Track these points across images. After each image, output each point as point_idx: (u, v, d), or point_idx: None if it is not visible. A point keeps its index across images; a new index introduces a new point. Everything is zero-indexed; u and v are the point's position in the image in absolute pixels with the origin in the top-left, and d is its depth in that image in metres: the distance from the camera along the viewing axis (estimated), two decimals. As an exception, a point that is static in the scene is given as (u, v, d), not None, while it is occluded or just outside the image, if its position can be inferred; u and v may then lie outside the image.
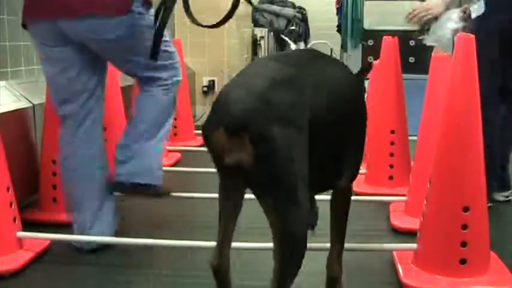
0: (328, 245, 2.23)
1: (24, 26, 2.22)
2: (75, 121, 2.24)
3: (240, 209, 1.54)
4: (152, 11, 2.21)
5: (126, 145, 2.33)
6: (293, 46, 6.90)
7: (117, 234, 2.29)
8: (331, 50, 7.77)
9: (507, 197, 2.82)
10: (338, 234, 1.80)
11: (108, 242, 2.24)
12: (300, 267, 1.38)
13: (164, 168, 3.28)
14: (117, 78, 3.12)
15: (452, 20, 2.52)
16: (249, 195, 1.44)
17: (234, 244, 1.59)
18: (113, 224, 2.33)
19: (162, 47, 2.19)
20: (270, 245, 1.39)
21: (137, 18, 2.14)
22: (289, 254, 1.37)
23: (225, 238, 1.54)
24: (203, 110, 5.21)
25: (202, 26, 2.21)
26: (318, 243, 2.28)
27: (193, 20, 2.21)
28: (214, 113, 1.31)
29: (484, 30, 2.39)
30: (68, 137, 2.27)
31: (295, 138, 1.28)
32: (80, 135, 2.25)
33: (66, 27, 2.11)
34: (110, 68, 2.38)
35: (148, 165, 2.33)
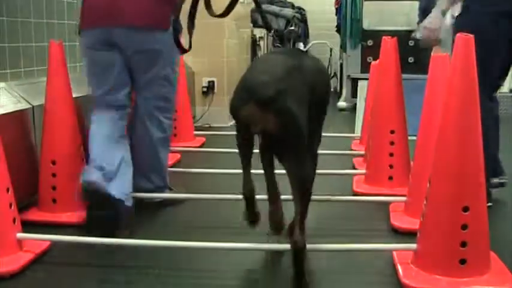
0: (327, 245, 2.24)
1: (79, 32, 2.60)
2: (109, 107, 2.60)
3: (253, 148, 1.97)
4: (181, 37, 2.61)
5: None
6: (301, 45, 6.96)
7: (116, 235, 2.29)
8: (331, 50, 7.79)
9: (500, 179, 2.86)
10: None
11: (108, 242, 2.24)
12: (310, 198, 1.94)
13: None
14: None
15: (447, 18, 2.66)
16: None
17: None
18: (130, 185, 2.51)
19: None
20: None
21: (170, 38, 2.53)
22: (302, 188, 1.87)
23: (247, 171, 2.04)
24: (203, 110, 5.21)
25: (216, 15, 2.47)
26: (317, 244, 2.28)
27: (211, 12, 2.47)
28: (244, 92, 1.74)
29: (459, 30, 2.37)
30: (98, 117, 2.60)
31: (304, 111, 1.74)
32: (111, 117, 2.59)
33: (119, 35, 2.48)
34: None
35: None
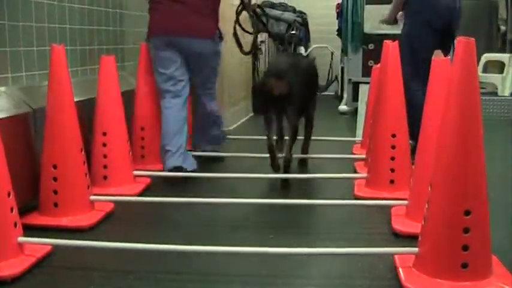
0: (329, 249, 2.24)
1: (148, 39, 3.57)
2: (173, 95, 3.50)
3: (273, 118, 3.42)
4: (222, 43, 3.71)
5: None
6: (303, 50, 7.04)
7: (118, 239, 2.29)
8: (332, 53, 7.79)
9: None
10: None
11: (110, 246, 2.24)
12: (296, 136, 3.35)
13: (164, 173, 3.32)
14: (117, 83, 3.13)
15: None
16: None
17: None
18: (195, 163, 3.57)
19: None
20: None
21: (213, 44, 3.57)
22: (295, 130, 3.31)
23: (272, 133, 3.35)
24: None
25: (244, 53, 4.12)
26: (319, 247, 2.28)
27: (242, 51, 4.08)
28: (270, 73, 3.32)
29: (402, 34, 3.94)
30: (167, 103, 3.50)
31: (298, 84, 3.25)
32: (176, 103, 3.50)
33: (178, 42, 3.46)
34: (110, 75, 3.11)
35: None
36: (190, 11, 3.46)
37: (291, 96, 3.16)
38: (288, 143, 3.31)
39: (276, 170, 3.29)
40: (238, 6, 3.94)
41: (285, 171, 3.28)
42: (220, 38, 3.64)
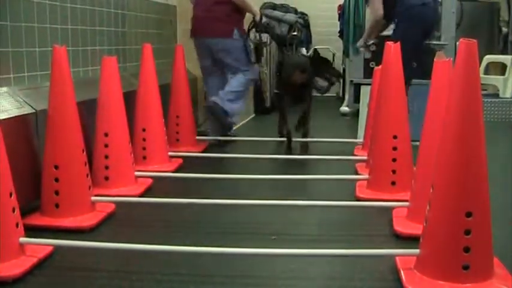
0: (330, 251, 2.24)
1: (192, 36, 4.70)
2: (213, 78, 4.72)
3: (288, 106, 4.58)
4: (245, 37, 4.72)
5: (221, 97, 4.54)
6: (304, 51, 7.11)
7: (119, 240, 2.30)
8: (334, 55, 7.79)
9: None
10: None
11: (111, 247, 2.24)
12: (310, 112, 4.49)
13: (165, 173, 3.33)
14: (119, 84, 3.13)
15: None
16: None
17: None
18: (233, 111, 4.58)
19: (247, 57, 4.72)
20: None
21: (235, 40, 4.57)
22: (310, 106, 4.47)
23: (284, 120, 4.57)
24: (206, 115, 5.22)
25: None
26: (320, 249, 2.28)
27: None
28: (291, 67, 4.40)
29: (393, 39, 3.73)
30: (211, 81, 4.76)
31: (311, 75, 4.38)
32: (215, 82, 4.72)
33: (208, 41, 4.58)
34: (112, 76, 3.12)
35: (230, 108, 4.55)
36: (214, 18, 4.55)
37: (308, 84, 4.38)
38: (307, 117, 4.44)
39: (289, 152, 4.37)
40: (250, 23, 4.82)
41: (304, 136, 4.45)
42: (243, 33, 4.68)
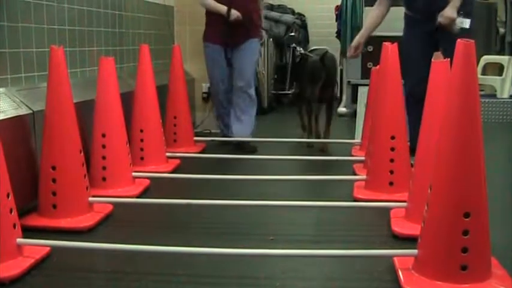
0: (328, 251, 2.24)
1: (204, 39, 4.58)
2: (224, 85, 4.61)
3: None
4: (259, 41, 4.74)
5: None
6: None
7: (117, 241, 2.29)
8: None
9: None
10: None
11: (109, 248, 2.24)
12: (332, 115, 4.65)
13: (163, 174, 3.33)
14: (116, 85, 3.13)
15: None
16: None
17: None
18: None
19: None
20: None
21: (254, 42, 4.52)
22: (331, 109, 4.63)
23: (306, 119, 4.70)
24: (203, 116, 5.22)
25: None
26: (318, 250, 2.28)
27: None
28: (320, 65, 4.35)
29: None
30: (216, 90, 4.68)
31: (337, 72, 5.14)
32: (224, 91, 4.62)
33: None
34: (109, 77, 3.09)
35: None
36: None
37: (333, 81, 4.54)
38: (330, 116, 4.57)
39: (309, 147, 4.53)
40: None
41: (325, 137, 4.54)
42: (261, 38, 5.00)
